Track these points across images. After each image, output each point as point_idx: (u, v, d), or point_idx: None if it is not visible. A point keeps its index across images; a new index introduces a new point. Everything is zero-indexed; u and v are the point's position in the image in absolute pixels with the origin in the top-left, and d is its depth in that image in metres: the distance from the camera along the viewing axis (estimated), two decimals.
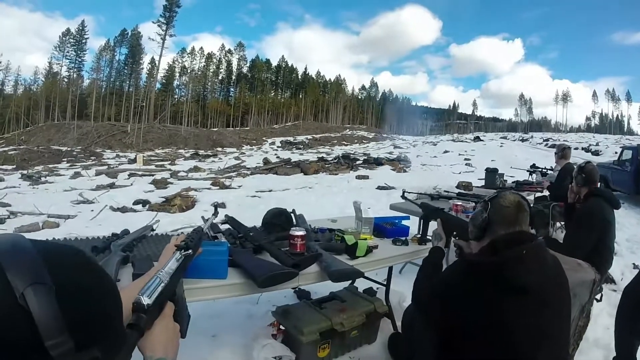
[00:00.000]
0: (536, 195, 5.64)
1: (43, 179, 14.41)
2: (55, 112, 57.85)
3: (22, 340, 0.48)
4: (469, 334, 1.44)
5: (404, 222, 2.79)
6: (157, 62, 63.30)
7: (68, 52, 66.65)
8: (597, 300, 2.85)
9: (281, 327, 2.46)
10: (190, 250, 1.14)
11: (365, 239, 2.28)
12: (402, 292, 3.09)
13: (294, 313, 2.47)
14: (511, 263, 1.42)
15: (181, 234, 1.27)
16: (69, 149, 28.36)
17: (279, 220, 2.38)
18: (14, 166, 19.77)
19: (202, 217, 2.05)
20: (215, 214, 1.77)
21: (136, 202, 8.44)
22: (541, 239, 1.56)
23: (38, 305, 0.49)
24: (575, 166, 3.39)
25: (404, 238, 2.54)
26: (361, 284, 3.01)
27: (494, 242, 1.51)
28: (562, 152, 5.47)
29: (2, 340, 0.48)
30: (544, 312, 1.44)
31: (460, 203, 3.26)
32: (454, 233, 2.15)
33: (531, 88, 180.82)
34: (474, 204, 3.12)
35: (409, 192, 2.91)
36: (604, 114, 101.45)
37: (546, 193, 5.58)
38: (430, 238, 2.43)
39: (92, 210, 7.36)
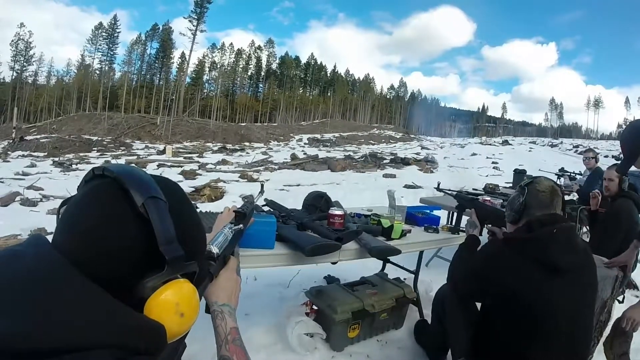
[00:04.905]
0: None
1: (74, 166, 14.72)
2: (87, 103, 59.26)
3: (140, 244, 0.58)
4: (505, 306, 1.54)
5: (435, 212, 2.87)
6: (187, 57, 64.23)
7: (100, 45, 68.29)
8: (619, 302, 2.89)
9: (314, 306, 2.55)
10: (247, 216, 1.26)
11: (400, 223, 2.36)
12: (429, 282, 3.16)
13: (327, 293, 2.57)
14: (544, 240, 1.53)
15: (232, 206, 1.38)
16: (99, 138, 28.87)
17: (318, 203, 2.49)
18: (46, 153, 20.26)
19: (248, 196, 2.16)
20: (262, 191, 1.87)
21: None
22: (572, 223, 1.65)
23: (157, 214, 0.59)
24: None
25: (435, 226, 2.63)
26: (390, 273, 3.10)
27: (530, 222, 1.61)
28: (596, 155, 5.50)
29: (124, 243, 0.58)
30: (576, 293, 1.53)
31: (489, 198, 3.32)
32: (487, 221, 2.23)
33: (563, 93, 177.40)
34: (502, 200, 3.18)
35: (442, 189, 3.00)
36: None
37: (574, 197, 5.58)
38: (463, 228, 2.52)
39: None
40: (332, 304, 2.43)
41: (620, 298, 2.84)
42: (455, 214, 2.73)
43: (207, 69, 77.86)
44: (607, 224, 3.19)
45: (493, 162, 20.23)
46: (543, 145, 39.55)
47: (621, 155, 2.17)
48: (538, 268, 1.51)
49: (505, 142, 40.00)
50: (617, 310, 2.85)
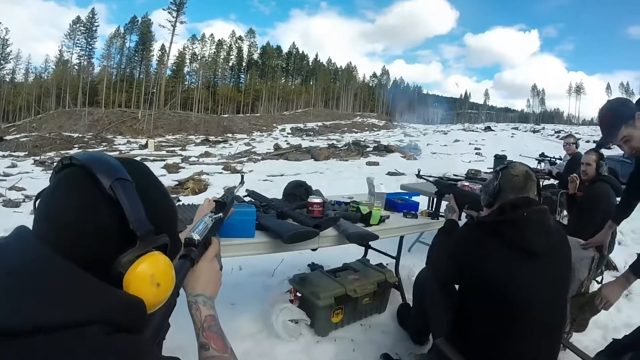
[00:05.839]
0: (544, 183, 5.77)
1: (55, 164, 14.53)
2: (66, 100, 58.14)
3: (112, 224, 0.62)
4: (481, 288, 1.59)
5: (414, 199, 2.92)
6: (167, 49, 63.60)
7: (78, 39, 67.12)
8: (598, 282, 2.98)
9: (298, 293, 2.60)
10: (227, 205, 1.30)
11: (379, 209, 2.41)
12: (411, 267, 3.23)
13: (310, 280, 2.62)
14: (516, 222, 1.57)
15: (213, 197, 1.42)
16: (80, 135, 28.48)
17: (298, 192, 2.53)
18: (26, 153, 19.94)
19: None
20: (242, 182, 1.90)
21: None
22: (545, 206, 1.69)
23: (124, 194, 0.63)
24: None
25: (414, 212, 2.68)
26: (373, 259, 3.16)
27: (503, 205, 1.65)
28: (576, 141, 5.62)
29: (98, 226, 0.61)
30: (549, 274, 1.58)
31: (467, 183, 3.38)
32: (466, 206, 2.29)
33: (545, 79, 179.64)
34: (481, 185, 3.25)
35: (423, 175, 3.05)
36: None
37: (555, 181, 5.70)
38: (442, 213, 2.58)
39: None
40: (314, 290, 2.48)
41: (598, 279, 2.92)
42: (435, 200, 2.79)
43: (187, 61, 77.24)
44: (585, 207, 3.25)
45: (476, 148, 20.45)
46: (525, 131, 39.84)
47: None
48: (511, 250, 1.55)
49: (488, 128, 40.27)
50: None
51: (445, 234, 2.08)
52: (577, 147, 5.57)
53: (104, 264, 0.61)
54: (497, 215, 1.66)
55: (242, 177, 1.98)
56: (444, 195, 2.68)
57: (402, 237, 2.90)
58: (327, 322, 2.51)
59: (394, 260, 3.04)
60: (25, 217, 5.88)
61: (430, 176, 2.99)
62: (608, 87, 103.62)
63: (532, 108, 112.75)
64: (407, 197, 2.90)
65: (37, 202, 0.66)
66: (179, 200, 2.33)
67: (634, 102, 1.97)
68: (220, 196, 1.39)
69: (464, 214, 2.35)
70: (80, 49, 67.18)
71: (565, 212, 4.59)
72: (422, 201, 3.41)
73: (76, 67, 67.26)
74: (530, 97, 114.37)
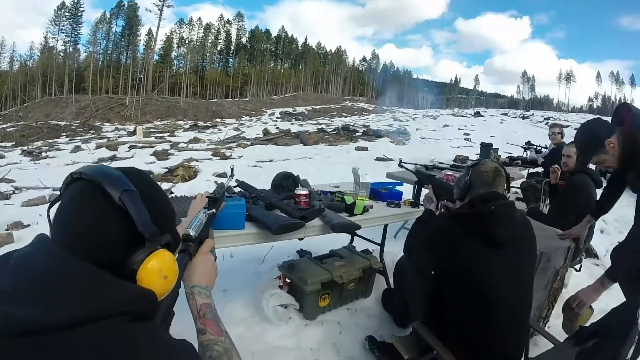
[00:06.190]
0: (529, 171, 5.91)
1: (43, 154, 14.17)
2: (52, 87, 57.03)
3: (123, 233, 0.74)
4: (454, 277, 1.70)
5: (398, 188, 3.02)
6: (154, 34, 62.52)
7: (63, 25, 65.55)
8: (577, 270, 3.12)
9: (287, 279, 2.72)
10: (218, 200, 1.41)
11: (363, 199, 2.52)
12: (395, 253, 3.34)
13: (298, 266, 2.74)
14: (484, 215, 1.68)
15: (205, 192, 1.53)
16: (67, 123, 28.13)
17: (286, 183, 2.64)
18: (13, 143, 19.63)
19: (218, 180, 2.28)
20: (232, 175, 2.01)
21: None
22: (511, 199, 1.81)
23: (132, 204, 0.74)
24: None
25: (397, 201, 2.79)
26: (358, 246, 3.28)
27: (472, 199, 1.77)
28: (562, 130, 5.73)
29: (109, 236, 0.73)
30: (516, 264, 1.70)
31: (451, 173, 3.48)
32: (443, 197, 2.40)
33: (536, 66, 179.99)
34: None
35: (406, 163, 3.15)
36: (606, 96, 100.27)
37: (540, 169, 5.82)
38: (422, 202, 2.69)
39: None
40: (302, 276, 2.61)
41: (577, 267, 3.07)
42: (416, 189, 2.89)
43: (175, 45, 76.15)
44: (567, 196, 3.34)
45: (465, 134, 20.43)
46: (515, 117, 39.77)
47: None
48: (480, 241, 1.65)
49: (477, 114, 40.11)
50: (575, 279, 3.10)
51: (422, 223, 2.17)
52: (562, 137, 5.66)
53: (118, 263, 0.73)
54: (467, 208, 1.77)
55: (232, 170, 2.09)
56: (424, 185, 2.79)
57: (386, 225, 3.01)
58: (314, 307, 2.64)
59: (379, 247, 3.17)
60: (17, 209, 5.83)
61: (415, 164, 3.10)
62: (598, 76, 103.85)
63: (522, 94, 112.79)
64: (391, 187, 3.00)
65: (52, 211, 0.77)
66: (171, 192, 2.41)
67: (614, 113, 2.08)
68: (212, 191, 1.51)
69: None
70: (66, 35, 65.69)
71: (548, 201, 4.74)
72: (408, 189, 3.52)
73: (62, 53, 65.73)
74: (521, 84, 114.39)
